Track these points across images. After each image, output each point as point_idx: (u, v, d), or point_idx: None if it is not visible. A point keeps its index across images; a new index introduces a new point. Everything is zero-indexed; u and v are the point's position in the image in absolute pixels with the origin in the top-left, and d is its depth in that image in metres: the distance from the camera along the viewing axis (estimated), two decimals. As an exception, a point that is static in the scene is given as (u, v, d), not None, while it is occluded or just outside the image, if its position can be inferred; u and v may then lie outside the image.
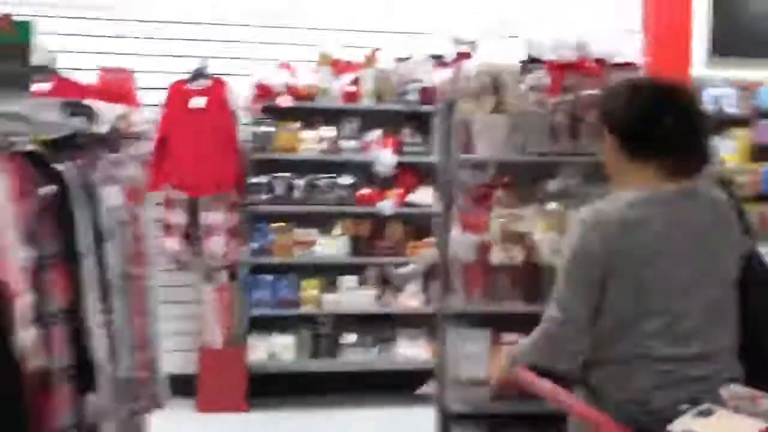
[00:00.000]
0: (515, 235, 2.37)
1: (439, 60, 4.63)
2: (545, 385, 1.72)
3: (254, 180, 4.58)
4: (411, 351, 4.66)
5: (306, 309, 4.62)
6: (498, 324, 2.50)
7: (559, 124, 2.42)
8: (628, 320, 1.63)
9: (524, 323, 2.54)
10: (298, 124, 4.62)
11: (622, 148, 1.75)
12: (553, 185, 2.49)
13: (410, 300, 4.68)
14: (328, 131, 4.64)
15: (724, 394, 1.53)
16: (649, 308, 1.62)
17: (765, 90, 5.02)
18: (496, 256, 2.35)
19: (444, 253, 2.53)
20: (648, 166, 1.72)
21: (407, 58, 4.72)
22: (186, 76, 4.56)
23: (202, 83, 4.54)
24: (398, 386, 4.40)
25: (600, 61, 2.54)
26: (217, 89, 4.54)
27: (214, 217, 4.47)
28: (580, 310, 1.66)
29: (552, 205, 2.44)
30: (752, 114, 5.00)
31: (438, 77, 4.37)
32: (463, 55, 2.65)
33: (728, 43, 5.18)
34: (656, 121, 1.69)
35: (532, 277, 2.41)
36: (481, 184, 2.46)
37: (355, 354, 4.64)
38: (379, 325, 4.74)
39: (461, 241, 2.39)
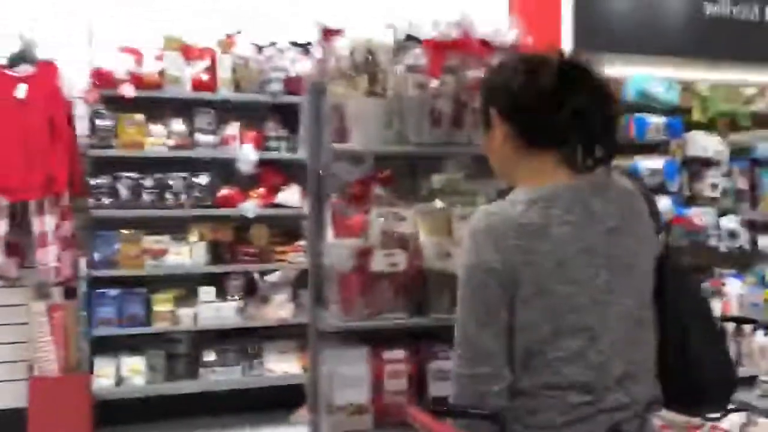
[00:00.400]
0: (397, 238, 2.05)
1: (304, 48, 4.27)
2: (435, 424, 1.40)
3: (94, 181, 4.06)
4: (281, 366, 4.35)
5: (159, 326, 4.17)
6: (379, 340, 2.17)
7: (442, 110, 2.12)
8: (538, 344, 1.34)
9: (408, 338, 2.26)
10: (143, 117, 4.15)
11: (518, 134, 1.45)
12: (436, 180, 2.20)
13: (278, 311, 4.34)
14: (179, 124, 4.21)
15: (657, 423, 1.28)
16: (563, 327, 1.34)
17: (627, 85, 5.06)
18: (377, 263, 2.02)
19: (315, 261, 2.17)
20: (548, 156, 1.44)
21: (269, 45, 4.32)
22: (5, 60, 3.90)
23: (26, 68, 3.90)
24: (268, 406, 4.17)
25: (484, 42, 2.28)
26: (45, 76, 3.91)
27: (45, 224, 3.87)
28: (491, 343, 1.34)
29: (437, 203, 2.14)
30: (616, 109, 5.02)
31: (304, 65, 4.03)
32: (332, 33, 2.30)
33: (591, 38, 5.20)
34: (563, 101, 1.40)
35: (416, 286, 2.10)
36: (357, 180, 2.13)
37: (218, 373, 4.24)
38: (243, 340, 4.37)
39: (336, 247, 2.03)
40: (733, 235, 5.22)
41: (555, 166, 1.44)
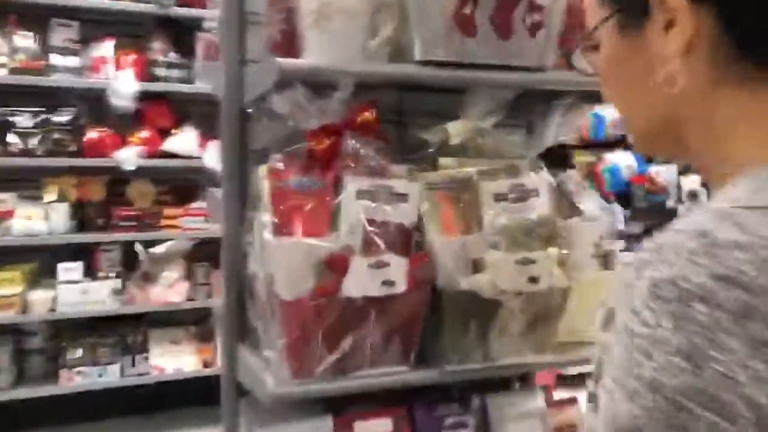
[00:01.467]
0: (392, 232, 1.14)
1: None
2: None
3: None
4: (172, 362, 3.55)
5: (3, 315, 3.25)
6: (347, 402, 1.28)
7: (477, 4, 1.20)
8: None
9: (395, 394, 1.38)
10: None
11: (728, 37, 0.59)
12: (454, 130, 1.28)
13: (167, 292, 3.51)
14: (28, 40, 3.32)
15: None
16: None
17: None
18: (357, 282, 1.11)
19: (234, 269, 1.22)
20: None
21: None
22: None
23: None
24: (156, 410, 3.54)
25: None
26: None
27: None
28: None
29: (459, 170, 1.23)
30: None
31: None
32: None
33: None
34: None
35: (422, 317, 1.21)
36: (320, 128, 1.17)
37: (86, 375, 3.38)
38: (121, 330, 3.53)
39: (282, 252, 1.10)
40: (693, 196, 4.89)
41: None
